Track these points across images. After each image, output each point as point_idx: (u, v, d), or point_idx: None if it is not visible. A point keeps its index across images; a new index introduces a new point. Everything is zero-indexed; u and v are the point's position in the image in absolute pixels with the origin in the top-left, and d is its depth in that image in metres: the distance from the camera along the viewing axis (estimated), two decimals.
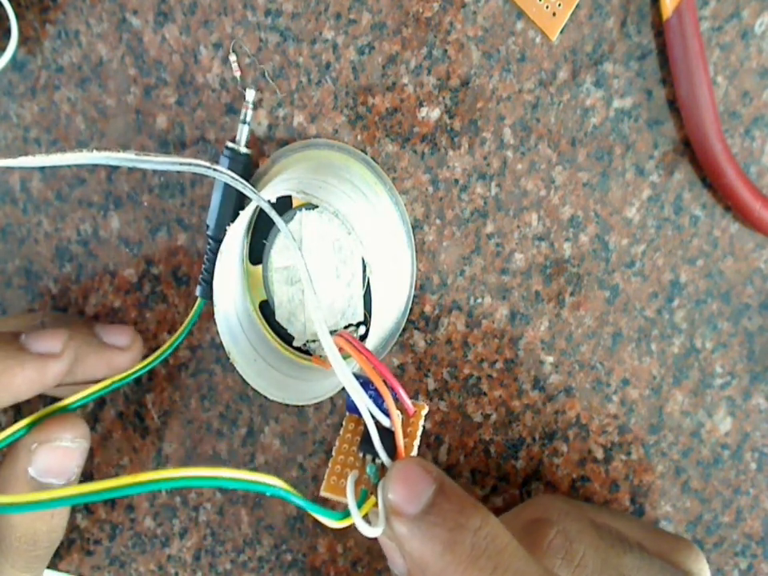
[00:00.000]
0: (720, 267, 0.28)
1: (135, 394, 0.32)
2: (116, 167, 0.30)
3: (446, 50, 0.28)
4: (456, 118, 0.28)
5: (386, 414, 0.20)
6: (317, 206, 0.27)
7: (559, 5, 0.26)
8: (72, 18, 0.30)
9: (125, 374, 0.27)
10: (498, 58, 0.27)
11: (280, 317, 0.29)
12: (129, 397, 0.32)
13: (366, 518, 0.20)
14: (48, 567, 0.29)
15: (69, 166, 0.28)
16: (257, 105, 0.29)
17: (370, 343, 0.25)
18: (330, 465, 0.22)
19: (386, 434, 0.21)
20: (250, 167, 0.29)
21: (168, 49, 0.29)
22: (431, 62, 0.28)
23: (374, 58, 0.28)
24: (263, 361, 0.28)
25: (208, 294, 0.28)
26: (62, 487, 0.23)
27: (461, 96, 0.28)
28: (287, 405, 0.31)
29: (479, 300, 0.29)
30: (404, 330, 0.30)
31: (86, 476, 0.33)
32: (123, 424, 0.33)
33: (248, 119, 0.28)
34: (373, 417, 0.20)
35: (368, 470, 0.21)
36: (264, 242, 0.28)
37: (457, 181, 0.28)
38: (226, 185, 0.27)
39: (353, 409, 0.22)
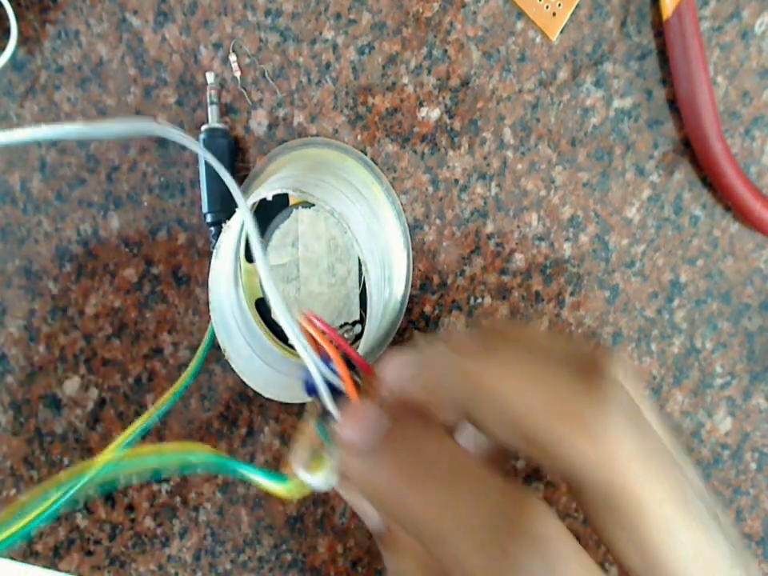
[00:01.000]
0: (720, 267, 0.28)
1: (135, 394, 0.32)
2: (117, 167, 0.30)
3: (446, 50, 0.28)
4: (456, 117, 0.28)
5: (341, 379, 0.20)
6: (313, 204, 0.27)
7: (559, 5, 0.26)
8: (72, 17, 0.30)
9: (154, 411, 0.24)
10: (498, 58, 0.27)
11: (275, 315, 0.29)
12: (129, 397, 0.32)
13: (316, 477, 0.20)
14: (48, 567, 0.29)
15: (23, 143, 0.28)
16: (257, 105, 0.29)
17: (366, 342, 0.25)
18: (296, 444, 0.22)
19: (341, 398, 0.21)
20: (230, 140, 0.29)
21: (168, 49, 0.29)
22: (431, 62, 0.28)
23: (373, 58, 0.28)
24: (259, 359, 0.28)
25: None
26: None
27: (461, 96, 0.28)
28: (286, 404, 0.31)
29: (479, 300, 0.29)
30: (404, 329, 0.30)
31: None
32: (123, 424, 0.33)
33: (215, 99, 0.29)
34: (326, 381, 0.20)
35: (317, 428, 0.20)
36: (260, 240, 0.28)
37: (457, 181, 0.28)
38: (207, 167, 0.28)
39: (311, 390, 0.21)
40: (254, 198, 0.24)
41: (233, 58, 0.29)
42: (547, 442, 0.16)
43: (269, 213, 0.28)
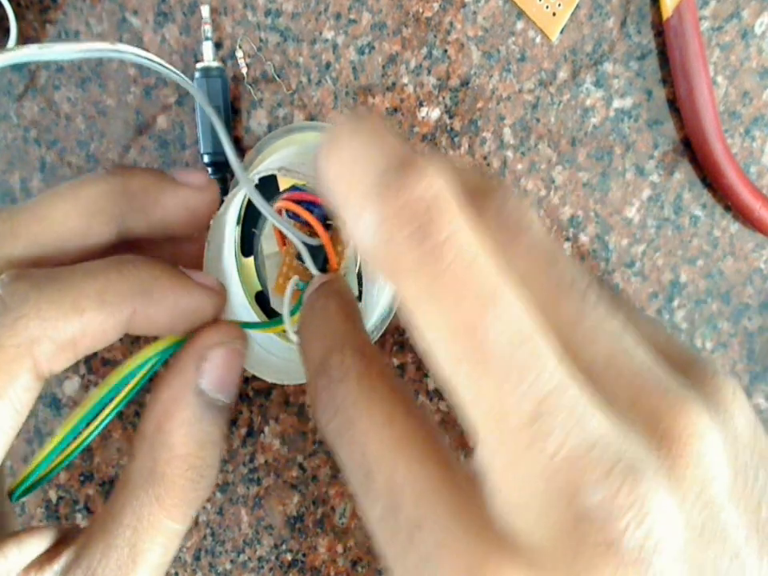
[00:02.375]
0: (720, 267, 0.28)
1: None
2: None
3: (446, 50, 0.28)
4: (456, 118, 0.28)
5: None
6: (303, 189, 0.27)
7: (559, 5, 0.26)
8: (72, 17, 0.30)
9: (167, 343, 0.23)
10: (498, 57, 0.27)
11: (274, 303, 0.28)
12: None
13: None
14: None
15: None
16: (257, 105, 0.29)
17: (365, 319, 0.25)
18: (279, 269, 0.27)
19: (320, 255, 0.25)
20: (224, 79, 0.29)
21: (168, 49, 0.29)
22: (431, 62, 0.28)
23: (373, 57, 0.28)
24: (261, 348, 0.28)
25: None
26: (227, 405, 0.21)
27: (461, 96, 0.28)
28: (286, 404, 0.31)
29: None
30: (404, 329, 0.30)
31: (86, 476, 0.33)
32: (123, 424, 0.33)
33: (209, 35, 0.28)
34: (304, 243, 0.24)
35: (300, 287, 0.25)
36: (254, 230, 0.28)
37: None
38: (202, 110, 0.28)
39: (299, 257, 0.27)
40: (241, 187, 0.24)
41: (239, 54, 0.29)
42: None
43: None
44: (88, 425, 0.21)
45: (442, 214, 0.14)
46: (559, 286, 0.17)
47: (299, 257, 0.27)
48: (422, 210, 0.14)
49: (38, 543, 0.20)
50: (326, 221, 0.25)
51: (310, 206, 0.25)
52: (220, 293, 0.23)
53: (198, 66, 0.28)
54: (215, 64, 0.28)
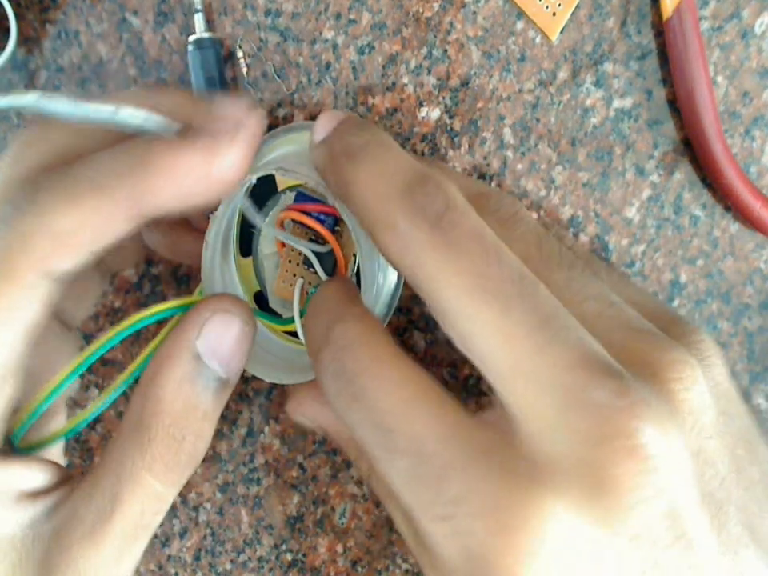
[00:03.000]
0: (720, 267, 0.28)
1: None
2: None
3: (446, 50, 0.28)
4: (456, 118, 0.28)
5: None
6: (305, 193, 0.27)
7: (559, 5, 0.26)
8: (72, 17, 0.30)
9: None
10: (498, 57, 0.27)
11: (274, 303, 0.28)
12: (129, 397, 0.32)
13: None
14: None
15: None
16: (256, 104, 0.29)
17: None
18: (278, 271, 0.27)
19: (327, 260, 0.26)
20: (218, 50, 0.28)
21: (168, 49, 0.29)
22: (431, 62, 0.28)
23: (373, 57, 0.28)
24: (260, 348, 0.28)
25: None
26: (224, 382, 0.20)
27: (461, 96, 0.28)
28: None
29: None
30: (404, 329, 0.30)
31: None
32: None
33: (199, 7, 0.28)
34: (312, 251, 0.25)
35: (310, 291, 0.26)
36: (252, 230, 0.28)
37: None
38: (196, 56, 0.28)
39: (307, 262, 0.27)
40: (239, 187, 0.24)
41: (240, 54, 0.29)
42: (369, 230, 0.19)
43: (258, 201, 0.28)
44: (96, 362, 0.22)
45: (456, 207, 0.18)
46: (550, 259, 0.20)
47: (306, 261, 0.27)
48: (441, 210, 0.18)
49: (40, 474, 0.20)
50: (333, 228, 0.26)
51: (315, 214, 0.26)
52: (247, 120, 0.20)
53: (190, 38, 0.28)
54: (207, 35, 0.28)
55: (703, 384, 0.18)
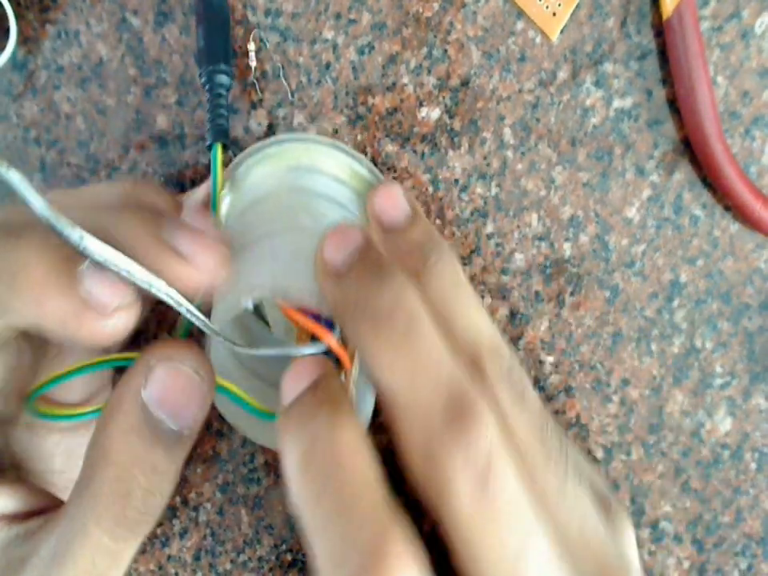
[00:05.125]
0: (720, 267, 0.28)
1: None
2: (117, 167, 0.30)
3: (446, 50, 0.28)
4: (456, 118, 0.28)
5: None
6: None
7: (559, 5, 0.26)
8: (72, 17, 0.30)
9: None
10: (497, 57, 0.27)
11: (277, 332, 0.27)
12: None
13: None
14: None
15: None
16: (257, 105, 0.29)
17: None
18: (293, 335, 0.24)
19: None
20: (226, 10, 0.27)
21: (168, 49, 0.29)
22: (431, 62, 0.28)
23: (373, 57, 0.28)
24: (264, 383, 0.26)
25: (225, 135, 0.25)
26: (177, 434, 0.19)
27: (461, 96, 0.28)
28: None
29: None
30: None
31: None
32: None
33: None
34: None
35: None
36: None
37: (457, 181, 0.28)
38: (204, 20, 0.26)
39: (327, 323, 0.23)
40: (226, 313, 0.21)
41: (251, 47, 0.28)
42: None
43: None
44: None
45: (499, 463, 0.18)
46: (549, 457, 0.21)
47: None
48: (485, 468, 0.18)
49: (22, 498, 0.20)
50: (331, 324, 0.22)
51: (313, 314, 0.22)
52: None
53: None
54: None
55: None
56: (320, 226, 0.23)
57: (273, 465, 0.32)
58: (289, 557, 0.32)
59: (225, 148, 0.26)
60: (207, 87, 0.26)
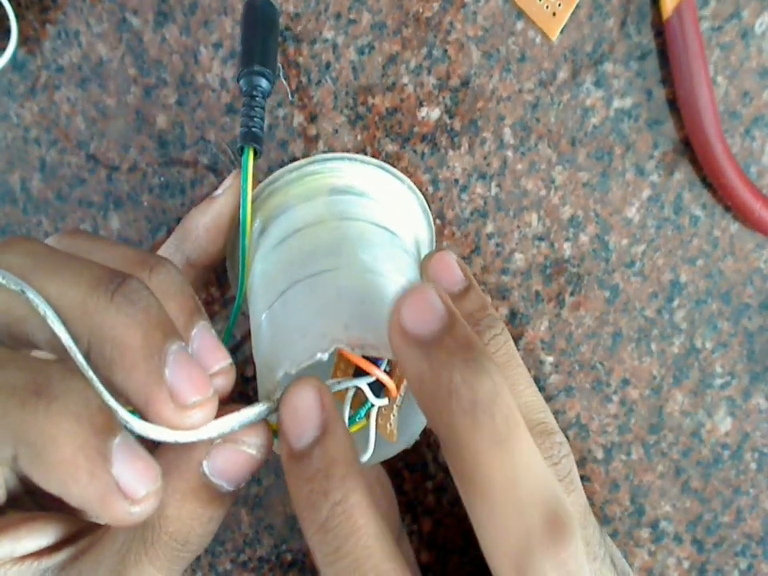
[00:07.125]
0: (720, 267, 0.28)
1: None
2: (117, 167, 0.30)
3: (446, 50, 0.28)
4: (456, 117, 0.28)
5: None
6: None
7: (559, 5, 0.26)
8: (72, 17, 0.30)
9: None
10: (497, 57, 0.27)
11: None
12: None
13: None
14: None
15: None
16: None
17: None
18: (331, 371, 0.23)
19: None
20: (274, 14, 0.26)
21: (168, 49, 0.29)
22: (431, 62, 0.28)
23: (373, 58, 0.28)
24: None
25: (257, 139, 0.24)
26: (229, 492, 0.20)
27: (461, 96, 0.28)
28: None
29: None
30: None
31: None
32: None
33: None
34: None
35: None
36: None
37: (457, 181, 0.28)
38: (248, 26, 0.25)
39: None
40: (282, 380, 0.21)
41: None
42: None
43: None
44: None
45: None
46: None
47: (357, 372, 0.23)
48: None
49: (47, 532, 0.20)
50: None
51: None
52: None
53: None
54: None
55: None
56: (380, 262, 0.22)
57: (273, 465, 0.32)
58: (289, 557, 0.32)
59: (256, 154, 0.25)
60: (244, 89, 0.25)
